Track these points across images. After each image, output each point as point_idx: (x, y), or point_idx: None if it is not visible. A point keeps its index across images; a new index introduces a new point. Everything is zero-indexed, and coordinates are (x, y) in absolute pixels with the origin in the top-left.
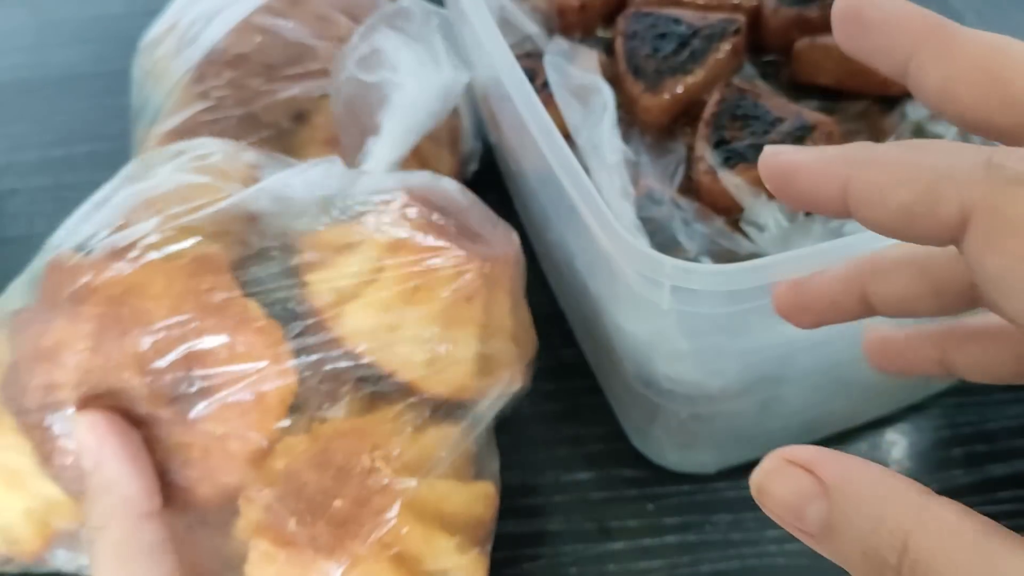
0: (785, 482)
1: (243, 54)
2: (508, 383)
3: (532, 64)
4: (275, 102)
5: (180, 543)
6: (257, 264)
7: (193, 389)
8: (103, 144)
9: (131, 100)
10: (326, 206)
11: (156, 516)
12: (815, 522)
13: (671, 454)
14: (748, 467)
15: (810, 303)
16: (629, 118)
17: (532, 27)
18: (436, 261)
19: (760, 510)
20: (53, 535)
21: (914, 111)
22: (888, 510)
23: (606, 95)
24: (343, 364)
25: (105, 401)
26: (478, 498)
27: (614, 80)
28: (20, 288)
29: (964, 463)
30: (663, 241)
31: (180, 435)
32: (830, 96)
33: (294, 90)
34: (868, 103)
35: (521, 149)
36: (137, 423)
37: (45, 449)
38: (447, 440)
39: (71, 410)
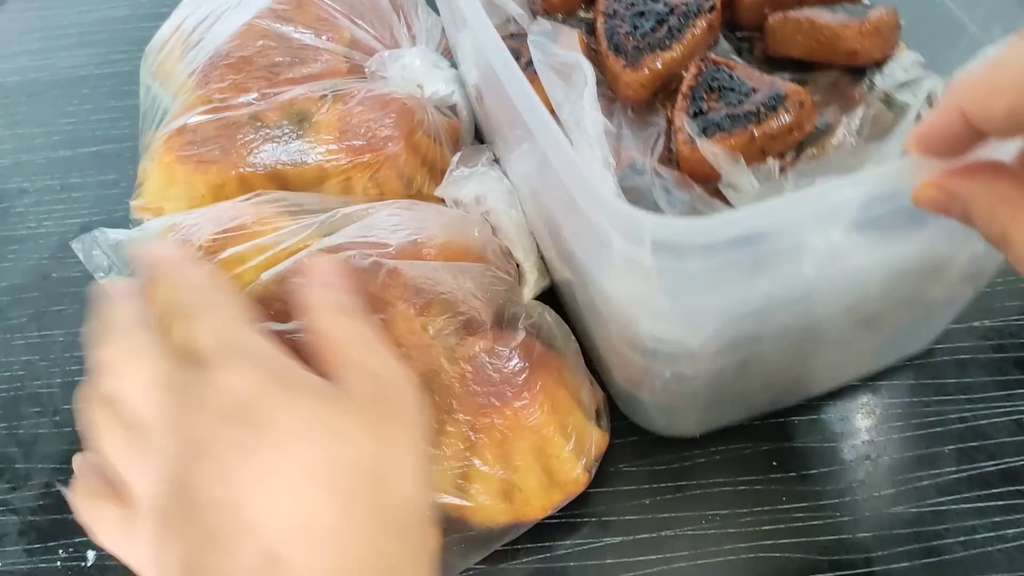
0: (930, 195)
1: (246, 57)
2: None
3: (516, 44)
4: (279, 103)
5: None
6: None
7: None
8: (109, 145)
9: (140, 102)
10: None
11: None
12: (957, 216)
13: (658, 418)
14: (730, 430)
15: (933, 144)
16: (611, 94)
17: (516, 9)
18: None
19: (756, 506)
20: None
21: (881, 80)
22: (993, 210)
23: (587, 72)
24: None
25: None
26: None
27: (595, 58)
28: None
29: (956, 460)
30: (644, 209)
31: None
32: (802, 68)
33: (297, 91)
34: (838, 74)
35: (507, 123)
36: None
37: None
38: None
39: None
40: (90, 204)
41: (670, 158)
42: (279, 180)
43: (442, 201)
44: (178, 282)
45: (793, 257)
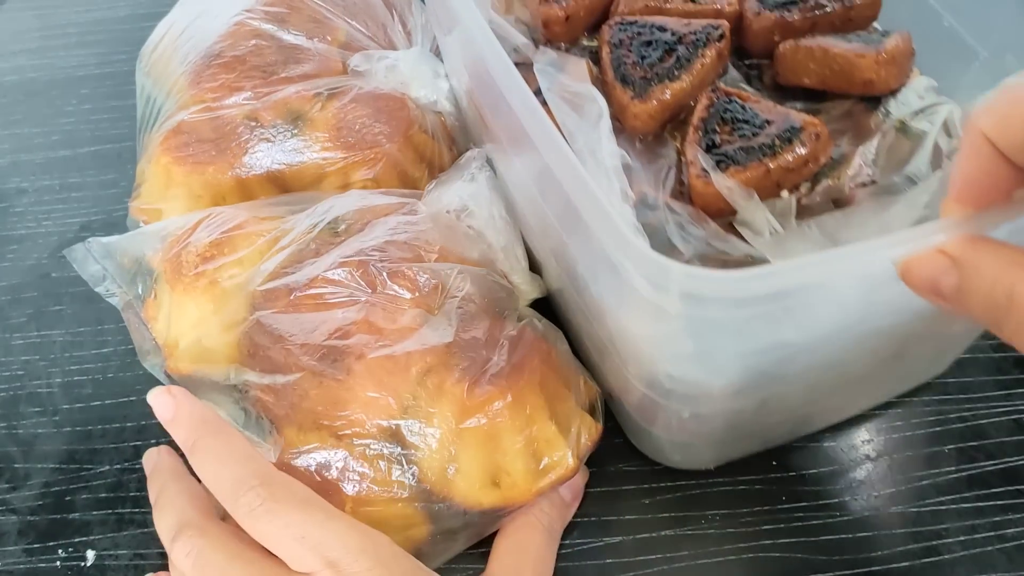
0: (925, 263)
1: (239, 56)
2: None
3: (522, 75)
4: (273, 103)
5: None
6: None
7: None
8: (108, 145)
9: (136, 103)
10: None
11: None
12: (949, 289)
13: (672, 453)
14: (745, 461)
15: (970, 188)
16: (618, 125)
17: (519, 38)
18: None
19: (756, 506)
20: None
21: (896, 108)
22: (1001, 272)
23: (600, 103)
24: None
25: None
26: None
27: (601, 88)
28: None
29: (956, 459)
30: (658, 245)
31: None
32: (813, 97)
33: (291, 90)
34: (852, 102)
35: (519, 155)
36: None
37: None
38: None
39: None
40: (89, 204)
41: (681, 191)
42: (276, 179)
43: None
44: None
45: (823, 305)
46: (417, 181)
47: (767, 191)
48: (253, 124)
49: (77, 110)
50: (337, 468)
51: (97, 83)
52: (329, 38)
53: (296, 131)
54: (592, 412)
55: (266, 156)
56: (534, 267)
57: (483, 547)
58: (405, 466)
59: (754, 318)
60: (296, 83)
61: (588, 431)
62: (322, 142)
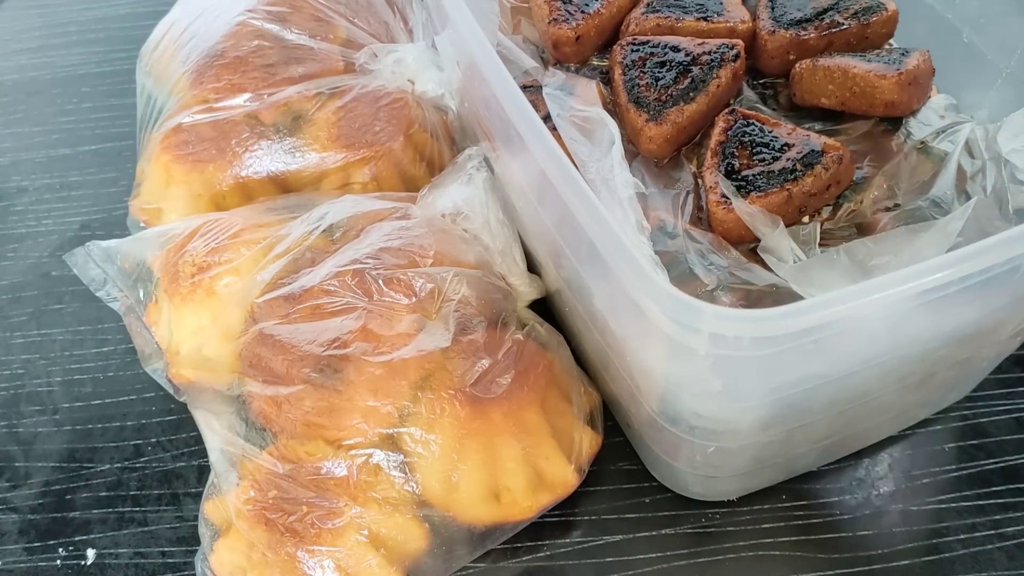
0: None
1: (241, 57)
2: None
3: (532, 97)
4: (274, 103)
5: None
6: None
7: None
8: (108, 144)
9: (136, 101)
10: None
11: None
12: None
13: (695, 486)
14: (768, 491)
15: None
16: (631, 148)
17: (528, 61)
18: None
19: (756, 504)
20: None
21: (918, 128)
22: None
23: (612, 129)
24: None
25: None
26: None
27: (614, 111)
28: None
29: (956, 458)
30: (679, 275)
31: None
32: (830, 117)
33: (292, 91)
34: (871, 123)
35: (534, 188)
36: None
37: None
38: None
39: None
40: (90, 203)
41: (700, 217)
42: (276, 178)
43: None
44: None
45: (854, 337)
46: (417, 180)
47: (789, 217)
48: (254, 123)
49: (77, 109)
50: (338, 478)
51: (97, 81)
52: (331, 36)
53: (296, 131)
54: (591, 422)
55: (266, 155)
56: (533, 267)
57: (483, 562)
58: (407, 475)
59: (784, 353)
60: (298, 83)
61: (588, 444)
62: (322, 141)
